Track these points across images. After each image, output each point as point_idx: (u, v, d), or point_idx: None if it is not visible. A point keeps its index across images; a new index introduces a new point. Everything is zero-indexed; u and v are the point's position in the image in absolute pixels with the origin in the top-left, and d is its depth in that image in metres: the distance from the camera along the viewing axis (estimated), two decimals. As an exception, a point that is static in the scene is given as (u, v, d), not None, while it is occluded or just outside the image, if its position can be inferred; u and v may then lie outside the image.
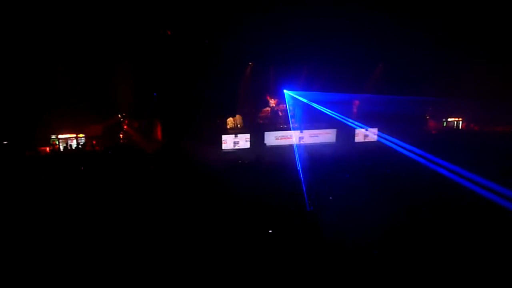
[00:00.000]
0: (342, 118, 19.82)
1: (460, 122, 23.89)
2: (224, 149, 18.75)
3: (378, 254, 7.74)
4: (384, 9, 16.66)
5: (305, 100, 20.33)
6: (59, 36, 16.07)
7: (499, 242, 8.02)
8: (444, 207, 10.12)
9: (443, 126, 23.80)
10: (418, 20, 17.11)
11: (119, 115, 18.92)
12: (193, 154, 15.85)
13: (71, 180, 13.09)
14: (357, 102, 22.00)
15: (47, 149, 17.17)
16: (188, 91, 18.43)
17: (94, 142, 17.97)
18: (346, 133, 20.62)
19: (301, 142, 19.96)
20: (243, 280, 7.01)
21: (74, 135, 17.82)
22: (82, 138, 17.93)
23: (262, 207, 10.12)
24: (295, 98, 20.65)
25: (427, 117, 23.58)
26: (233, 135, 19.17)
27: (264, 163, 15.49)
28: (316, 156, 16.16)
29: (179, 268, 7.35)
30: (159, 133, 19.25)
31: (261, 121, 21.19)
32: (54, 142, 17.46)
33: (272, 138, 19.81)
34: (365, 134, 21.08)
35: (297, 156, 15.99)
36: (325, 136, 20.64)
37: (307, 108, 20.38)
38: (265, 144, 19.45)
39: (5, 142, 16.02)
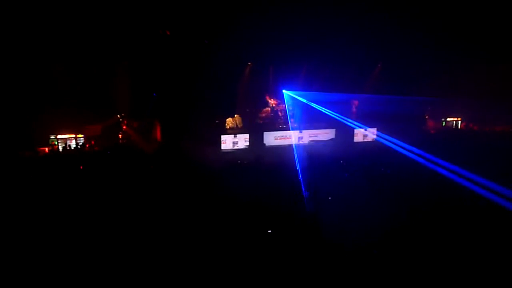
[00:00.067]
0: (341, 118, 19.83)
1: (459, 122, 23.93)
2: (223, 149, 18.75)
3: (378, 254, 7.74)
4: (383, 9, 16.66)
5: (304, 100, 20.34)
6: (58, 35, 16.06)
7: (499, 242, 8.02)
8: (443, 207, 10.12)
9: (442, 126, 23.82)
10: (416, 20, 17.12)
11: (118, 115, 18.90)
12: (192, 154, 15.84)
13: (70, 180, 13.06)
14: (356, 102, 22.01)
15: (46, 149, 17.15)
16: (187, 91, 18.43)
17: (93, 142, 17.96)
18: (345, 133, 20.63)
19: (300, 142, 19.97)
20: (242, 280, 7.01)
21: (73, 135, 17.80)
22: (81, 138, 17.91)
23: (261, 207, 10.11)
24: (294, 98, 20.66)
25: (426, 117, 23.61)
26: (232, 135, 19.18)
27: (263, 163, 15.49)
28: (315, 156, 16.15)
29: (178, 268, 7.34)
30: (158, 133, 19.24)
31: (261, 121, 21.19)
32: (53, 143, 17.45)
33: (271, 138, 19.82)
34: (364, 134, 21.11)
35: (296, 156, 16.00)
36: (324, 136, 20.65)
37: (306, 108, 20.39)
38: (264, 144, 19.46)
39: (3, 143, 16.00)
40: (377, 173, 13.73)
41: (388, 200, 10.36)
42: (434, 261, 7.43)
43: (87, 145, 17.80)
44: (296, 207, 10.35)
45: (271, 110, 21.55)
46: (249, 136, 19.25)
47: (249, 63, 20.90)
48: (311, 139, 20.43)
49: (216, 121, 19.92)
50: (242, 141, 19.17)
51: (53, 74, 17.33)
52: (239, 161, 16.29)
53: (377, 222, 8.85)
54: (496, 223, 8.87)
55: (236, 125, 20.40)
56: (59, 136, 17.56)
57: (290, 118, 20.54)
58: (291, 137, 19.96)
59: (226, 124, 20.14)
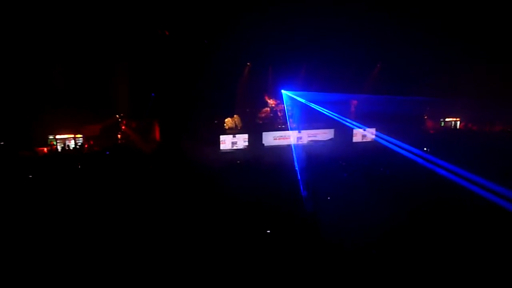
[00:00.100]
0: (340, 118, 19.84)
1: (458, 122, 23.95)
2: (222, 149, 18.74)
3: (376, 254, 7.74)
4: (382, 9, 16.68)
5: (303, 100, 20.34)
6: (57, 35, 16.04)
7: (497, 242, 8.03)
8: (441, 207, 10.14)
9: (441, 126, 23.84)
10: (415, 20, 17.14)
11: (117, 116, 18.88)
12: (191, 154, 15.82)
13: (69, 181, 13.05)
14: (355, 102, 22.01)
15: (45, 149, 17.12)
16: (186, 91, 18.41)
17: (91, 142, 17.93)
18: (344, 133, 20.64)
19: (299, 142, 19.98)
20: (241, 280, 7.00)
21: (72, 136, 17.77)
22: (80, 139, 17.89)
23: (259, 207, 10.11)
24: (293, 98, 20.66)
25: (425, 117, 23.63)
26: (231, 135, 19.17)
27: (262, 163, 15.48)
28: (314, 156, 16.16)
29: (177, 268, 7.34)
30: (157, 134, 19.22)
31: (261, 121, 21.18)
32: (51, 143, 17.42)
33: (270, 138, 19.82)
34: (363, 134, 21.12)
35: (295, 156, 15.99)
36: (323, 136, 20.65)
37: (305, 108, 20.39)
38: (263, 144, 19.46)
39: (1, 143, 15.97)
40: (376, 173, 13.74)
41: (387, 200, 10.36)
42: (432, 261, 7.44)
43: (85, 145, 17.77)
44: (295, 207, 10.35)
45: (270, 110, 21.54)
46: (248, 136, 19.25)
47: (248, 63, 20.89)
48: (310, 139, 20.44)
49: (215, 121, 19.90)
50: (241, 141, 19.16)
51: (52, 74, 17.33)
52: (238, 161, 16.28)
53: (376, 222, 8.85)
54: (495, 223, 8.88)
55: (235, 125, 20.40)
56: (57, 136, 17.52)
57: (289, 118, 20.53)
58: (290, 137, 19.96)
59: (225, 124, 20.14)
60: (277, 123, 21.06)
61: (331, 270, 7.25)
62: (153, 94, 18.92)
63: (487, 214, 9.37)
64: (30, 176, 13.37)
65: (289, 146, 19.11)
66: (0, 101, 15.58)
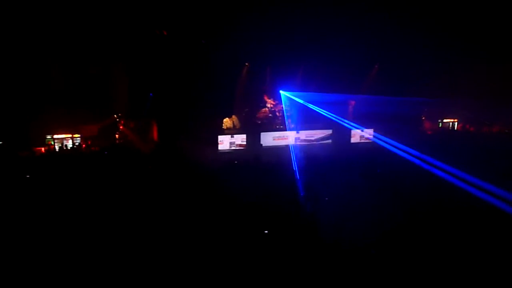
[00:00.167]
0: (338, 119, 19.85)
1: (456, 123, 23.99)
2: (220, 150, 18.74)
3: (376, 254, 7.76)
4: (380, 10, 16.71)
5: (301, 101, 20.35)
6: (56, 35, 16.01)
7: (494, 242, 8.06)
8: (439, 207, 10.17)
9: (439, 127, 23.89)
10: (413, 21, 17.17)
11: (115, 115, 18.86)
12: (189, 154, 15.82)
13: (67, 180, 13.03)
14: (353, 102, 22.03)
15: (43, 149, 17.08)
16: (184, 91, 18.40)
17: (89, 142, 17.90)
18: (342, 133, 20.66)
19: (297, 143, 19.98)
20: (239, 280, 7.01)
21: (70, 135, 17.73)
22: (78, 138, 17.86)
23: (258, 207, 10.12)
24: (291, 99, 20.66)
25: (423, 118, 23.67)
26: (230, 136, 19.17)
27: (261, 164, 15.49)
28: (312, 157, 16.18)
29: (175, 268, 7.34)
30: (155, 134, 19.20)
31: (259, 122, 21.18)
32: (49, 142, 17.37)
33: (269, 139, 19.81)
34: (361, 135, 21.14)
35: (293, 156, 16.01)
36: (321, 136, 20.67)
37: (303, 109, 20.40)
38: (262, 144, 19.46)
39: (0, 142, 15.94)
40: (373, 173, 13.76)
41: (386, 200, 10.39)
42: (430, 260, 7.46)
43: (83, 145, 17.74)
44: (293, 208, 10.36)
45: (268, 110, 21.55)
46: (247, 136, 19.24)
47: (247, 64, 20.89)
48: (308, 139, 20.45)
49: (214, 122, 19.88)
50: (240, 141, 19.15)
51: (50, 74, 17.29)
52: (236, 162, 16.29)
53: (374, 222, 8.87)
54: (491, 224, 8.91)
55: (234, 126, 20.39)
56: (55, 136, 17.48)
57: (287, 119, 20.53)
58: (288, 138, 19.96)
59: (223, 125, 20.14)
60: (275, 123, 21.07)
61: (330, 270, 7.26)
62: (151, 94, 18.89)
63: (483, 215, 9.41)
64: (28, 176, 13.35)
65: (287, 146, 19.12)
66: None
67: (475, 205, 9.97)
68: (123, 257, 7.69)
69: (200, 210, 10.00)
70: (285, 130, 20.25)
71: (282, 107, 20.97)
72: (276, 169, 14.34)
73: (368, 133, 20.84)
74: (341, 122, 19.86)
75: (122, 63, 18.40)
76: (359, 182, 12.16)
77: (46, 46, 16.32)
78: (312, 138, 20.52)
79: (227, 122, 20.31)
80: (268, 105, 21.57)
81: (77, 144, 17.74)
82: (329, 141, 20.73)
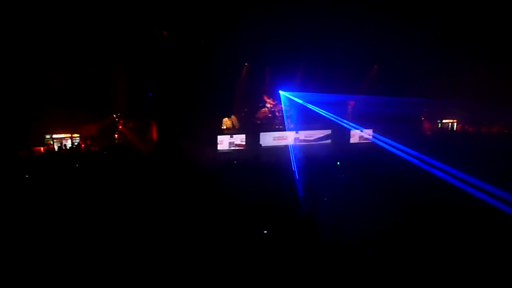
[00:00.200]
0: (338, 119, 19.86)
1: (455, 123, 24.02)
2: (219, 150, 18.74)
3: (371, 254, 7.76)
4: (379, 10, 16.72)
5: (300, 101, 20.36)
6: (55, 35, 16.00)
7: (492, 242, 8.06)
8: (437, 208, 10.18)
9: (438, 127, 23.91)
10: (412, 22, 17.18)
11: (114, 115, 18.85)
12: (188, 154, 15.82)
13: (66, 180, 13.02)
14: (352, 103, 22.04)
15: (42, 149, 17.06)
16: (183, 91, 18.40)
17: (88, 142, 17.89)
18: (341, 134, 20.68)
19: (297, 143, 19.99)
20: (238, 280, 7.01)
21: (69, 135, 17.73)
22: (77, 138, 17.85)
23: (256, 207, 10.11)
24: (290, 99, 20.67)
25: (422, 118, 23.70)
26: (229, 136, 19.17)
27: (260, 164, 15.49)
28: (311, 157, 16.19)
29: (175, 267, 7.34)
30: (154, 134, 19.20)
31: (259, 122, 21.18)
32: (48, 142, 17.36)
33: (268, 139, 19.82)
34: (360, 135, 21.15)
35: (292, 156, 16.02)
36: (320, 136, 20.68)
37: (302, 109, 20.41)
38: (261, 144, 19.46)
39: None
40: (372, 174, 13.77)
41: (384, 200, 10.40)
42: (427, 261, 7.47)
43: (82, 145, 17.73)
44: (291, 208, 10.36)
45: (268, 110, 21.55)
46: (246, 136, 19.25)
47: (246, 64, 20.89)
48: (307, 139, 20.46)
49: (213, 122, 19.88)
50: (239, 141, 19.16)
51: (49, 74, 17.27)
52: (235, 162, 16.29)
53: (371, 222, 8.88)
54: (490, 224, 8.92)
55: (233, 126, 20.40)
56: (54, 136, 17.47)
57: (286, 119, 20.54)
58: (287, 138, 19.97)
59: (222, 125, 20.14)
60: (274, 123, 21.09)
61: (327, 270, 7.26)
62: (150, 94, 18.90)
63: (482, 215, 9.42)
64: (27, 176, 13.34)
65: (286, 146, 19.12)
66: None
67: (474, 205, 9.98)
68: (122, 257, 7.68)
69: (199, 210, 10.00)
70: (284, 130, 20.25)
71: (282, 107, 20.98)
72: (275, 169, 14.34)
73: (367, 133, 20.85)
74: (340, 123, 19.88)
75: (121, 63, 18.39)
76: (358, 182, 12.17)
77: (45, 46, 16.30)
78: (311, 138, 20.55)
79: (226, 122, 20.31)
80: (268, 105, 21.57)
81: (76, 144, 17.73)
82: (328, 141, 20.75)
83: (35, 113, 16.21)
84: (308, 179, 12.83)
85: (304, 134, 20.47)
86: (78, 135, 17.85)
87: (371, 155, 16.93)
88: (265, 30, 17.21)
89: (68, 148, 17.47)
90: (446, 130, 23.78)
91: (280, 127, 20.64)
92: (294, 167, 14.64)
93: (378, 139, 18.32)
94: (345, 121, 19.94)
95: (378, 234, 8.42)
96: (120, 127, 18.89)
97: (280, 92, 20.85)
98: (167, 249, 7.97)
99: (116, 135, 18.80)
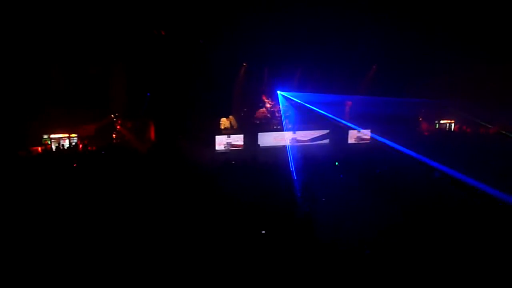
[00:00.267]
0: (336, 120, 19.88)
1: (453, 124, 24.07)
2: (217, 150, 18.74)
3: (370, 254, 7.77)
4: (377, 11, 16.76)
5: (299, 101, 20.37)
6: (53, 35, 15.96)
7: (490, 241, 8.09)
8: (435, 207, 10.20)
9: (436, 127, 23.96)
10: (410, 22, 17.21)
11: (112, 115, 18.82)
12: (186, 154, 15.81)
13: (64, 181, 12.99)
14: (350, 103, 22.06)
15: (39, 149, 17.02)
16: (181, 91, 18.40)
17: (86, 142, 17.85)
18: (339, 134, 20.70)
19: (295, 143, 20.00)
20: (236, 280, 7.00)
21: (67, 135, 17.69)
22: (75, 138, 17.81)
23: (255, 207, 10.11)
24: (289, 99, 20.69)
25: (420, 119, 23.74)
26: (227, 136, 19.17)
27: (258, 164, 15.50)
28: (309, 157, 16.19)
29: (172, 267, 7.33)
30: (152, 134, 19.18)
31: (258, 122, 21.18)
32: (46, 142, 17.32)
33: (266, 139, 19.83)
34: (358, 135, 21.19)
35: (290, 157, 16.03)
36: (319, 137, 20.70)
37: (300, 109, 20.43)
38: (259, 145, 19.47)
39: None
40: (370, 174, 13.79)
41: (382, 201, 10.41)
42: (425, 261, 7.48)
43: (80, 145, 17.69)
44: (289, 208, 10.36)
45: (266, 110, 21.56)
46: (244, 136, 19.26)
47: (244, 64, 20.89)
48: (305, 140, 20.47)
49: (211, 122, 19.88)
50: (237, 141, 19.16)
51: (47, 74, 17.23)
52: (233, 162, 16.29)
53: (370, 222, 8.89)
54: (488, 224, 8.94)
55: (231, 126, 20.39)
56: (52, 136, 17.43)
57: (284, 119, 20.55)
58: (285, 138, 19.98)
59: (220, 125, 20.13)
60: (272, 123, 21.09)
61: (326, 270, 7.27)
62: (148, 94, 18.88)
63: (480, 215, 9.45)
64: (25, 177, 13.29)
65: (284, 146, 19.13)
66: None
67: (471, 205, 10.01)
68: (120, 256, 7.66)
69: (197, 210, 9.99)
70: (282, 130, 20.26)
71: (280, 107, 20.98)
72: (273, 169, 14.34)
73: (366, 133, 20.89)
74: (338, 123, 19.90)
75: (119, 63, 18.36)
76: (357, 182, 12.19)
77: (43, 46, 16.26)
78: (309, 139, 20.56)
79: (224, 122, 20.30)
80: (267, 105, 21.57)
81: (74, 144, 17.69)
82: (327, 141, 20.77)
83: (32, 113, 16.17)
84: (306, 179, 12.84)
85: (302, 134, 20.48)
86: (76, 135, 17.82)
87: (369, 155, 16.95)
88: (263, 30, 17.22)
89: (66, 148, 17.43)
90: (444, 131, 23.84)
91: (278, 127, 20.65)
92: (292, 167, 14.64)
93: (376, 139, 18.35)
94: (343, 121, 19.96)
95: (377, 234, 8.43)
96: (118, 127, 18.86)
97: (278, 92, 20.87)
98: (165, 249, 7.96)
99: (114, 135, 18.77)
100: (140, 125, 19.17)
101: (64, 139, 17.60)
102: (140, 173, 14.06)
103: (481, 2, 16.83)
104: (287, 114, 20.87)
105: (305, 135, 20.59)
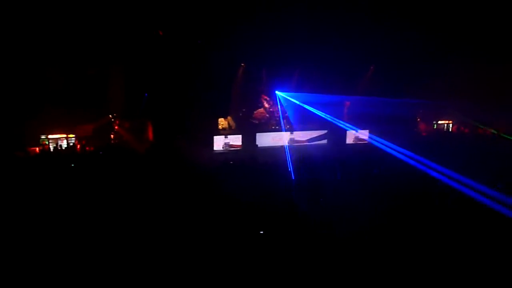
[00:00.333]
0: (334, 120, 19.91)
1: (451, 124, 24.13)
2: (215, 150, 18.73)
3: (369, 254, 7.78)
4: (375, 11, 16.79)
5: (297, 102, 20.39)
6: (51, 35, 15.93)
7: (487, 242, 8.11)
8: (432, 208, 10.23)
9: (434, 128, 24.02)
10: (409, 22, 17.24)
11: (110, 116, 18.80)
12: (184, 154, 15.80)
13: (62, 181, 12.95)
14: (348, 103, 22.09)
15: (37, 149, 16.98)
16: (179, 91, 18.40)
17: (83, 142, 17.82)
18: (337, 134, 20.73)
19: (293, 144, 20.02)
20: (234, 280, 7.01)
21: (64, 135, 17.66)
22: (72, 139, 17.78)
23: (253, 208, 10.11)
24: (287, 99, 20.71)
25: (418, 120, 23.80)
26: (225, 136, 19.18)
27: (256, 164, 15.49)
28: (307, 157, 16.20)
29: (170, 268, 7.32)
30: (150, 134, 19.16)
31: (257, 122, 21.19)
32: (44, 142, 17.29)
33: (264, 139, 19.84)
34: (356, 136, 21.22)
35: (288, 157, 16.03)
36: (317, 137, 20.73)
37: (299, 110, 20.45)
38: (257, 145, 19.48)
39: None
40: (368, 174, 13.81)
41: (381, 201, 10.43)
42: (424, 261, 7.50)
43: (78, 146, 17.66)
44: (288, 208, 10.37)
45: (265, 111, 21.57)
46: (242, 137, 19.28)
47: (242, 64, 20.90)
48: (303, 140, 20.49)
49: (209, 122, 19.88)
50: (235, 142, 19.17)
51: (44, 74, 17.21)
52: (231, 162, 16.28)
53: (368, 222, 8.91)
54: (485, 224, 8.97)
55: (229, 126, 20.39)
56: (50, 136, 17.40)
57: (282, 119, 20.57)
58: (283, 138, 20.00)
59: (219, 125, 20.13)
60: (270, 124, 21.10)
61: (325, 270, 7.28)
62: (146, 94, 18.87)
63: (477, 216, 9.47)
64: (25, 176, 13.26)
65: (282, 147, 19.14)
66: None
67: (468, 205, 10.03)
68: (118, 257, 7.65)
69: (194, 211, 9.98)
70: (280, 130, 20.27)
71: (278, 107, 21.00)
72: (271, 169, 14.33)
73: (364, 134, 20.92)
74: (336, 123, 19.93)
75: (118, 63, 18.35)
76: (355, 182, 12.20)
77: (41, 46, 16.23)
78: (307, 139, 20.58)
79: (222, 122, 20.30)
80: (266, 105, 21.58)
81: (71, 144, 17.66)
82: (325, 141, 20.80)
83: (30, 113, 16.15)
84: (304, 179, 12.85)
85: (300, 135, 20.50)
86: (73, 135, 17.79)
87: (367, 156, 16.96)
88: (262, 30, 17.23)
89: (63, 148, 17.40)
90: (442, 131, 23.90)
91: (277, 127, 20.65)
92: (290, 167, 14.65)
93: (375, 140, 18.37)
94: (341, 121, 19.99)
95: (376, 234, 8.45)
96: (116, 127, 18.84)
97: (277, 92, 20.88)
98: (164, 250, 7.95)
99: (112, 135, 18.75)
100: (138, 125, 19.15)
101: (62, 140, 17.58)
102: (138, 173, 14.04)
103: (479, 3, 16.86)
104: (285, 115, 20.89)
105: (303, 136, 20.62)
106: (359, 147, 20.56)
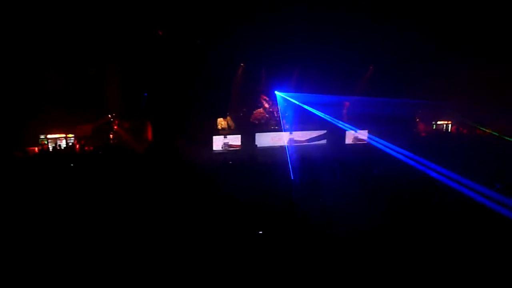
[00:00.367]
0: (333, 120, 19.92)
1: (450, 125, 24.16)
2: (215, 150, 18.73)
3: (368, 254, 7.79)
4: (375, 11, 16.81)
5: (296, 102, 20.39)
6: (50, 35, 15.93)
7: (486, 242, 8.12)
8: (431, 208, 10.24)
9: (433, 128, 24.04)
10: (408, 22, 17.26)
11: (110, 115, 18.80)
12: (183, 154, 15.80)
13: (61, 181, 12.94)
14: (347, 103, 22.10)
15: (36, 149, 16.97)
16: (179, 91, 18.39)
17: (82, 142, 17.82)
18: (336, 134, 20.74)
19: (292, 144, 20.02)
20: (233, 280, 7.01)
21: (64, 135, 17.65)
22: (72, 138, 17.77)
23: (252, 208, 10.11)
24: (286, 99, 20.71)
25: (417, 120, 23.82)
26: (224, 136, 19.18)
27: (255, 164, 15.49)
28: (306, 157, 16.21)
29: (170, 268, 7.33)
30: (149, 134, 19.16)
31: (257, 122, 21.19)
32: (43, 142, 17.27)
33: (263, 139, 19.84)
34: (356, 136, 21.23)
35: (287, 157, 16.03)
36: (316, 137, 20.73)
37: (298, 110, 20.45)
38: (256, 145, 19.48)
39: None
40: (368, 174, 13.81)
41: (380, 201, 10.44)
42: (423, 260, 7.51)
43: (77, 145, 17.65)
44: (287, 208, 10.37)
45: (264, 111, 21.57)
46: (241, 137, 19.28)
47: (242, 64, 20.90)
48: (302, 140, 20.50)
49: (208, 122, 19.88)
50: (234, 142, 19.17)
51: (44, 74, 17.20)
52: (230, 162, 16.28)
53: (368, 222, 8.91)
54: (484, 225, 8.98)
55: (228, 126, 20.39)
56: (49, 136, 17.39)
57: (282, 119, 20.58)
58: (283, 139, 20.00)
59: (218, 125, 20.13)
60: (270, 124, 21.11)
61: (324, 270, 7.28)
62: (145, 94, 18.86)
63: (475, 216, 9.48)
64: (23, 176, 13.25)
65: (282, 147, 19.15)
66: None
67: (468, 205, 10.05)
68: (116, 257, 7.65)
69: (193, 211, 9.98)
70: (280, 130, 20.27)
71: (277, 107, 21.00)
72: (270, 169, 14.34)
73: (363, 134, 20.94)
74: (335, 123, 19.93)
75: (117, 63, 18.35)
76: (354, 182, 12.20)
77: (41, 46, 16.22)
78: (307, 139, 20.59)
79: (221, 122, 20.30)
80: (266, 105, 21.58)
81: (70, 144, 17.65)
82: (324, 141, 20.81)
83: (29, 113, 16.14)
84: (303, 179, 12.85)
85: (299, 135, 20.50)
86: (72, 135, 17.78)
87: (366, 156, 16.97)
88: (261, 30, 17.24)
89: (62, 148, 17.39)
90: (441, 132, 23.93)
91: (276, 127, 20.66)
92: (289, 167, 14.65)
93: (374, 140, 18.38)
94: (340, 122, 20.00)
95: (375, 234, 8.45)
96: (115, 127, 18.84)
97: (276, 92, 20.89)
98: (163, 250, 7.96)
99: (111, 135, 18.75)
100: (138, 125, 19.16)
101: (61, 139, 17.57)
102: (137, 173, 14.04)
103: (478, 3, 16.88)
104: (285, 115, 20.90)
105: (303, 136, 20.62)
106: (358, 147, 20.57)
